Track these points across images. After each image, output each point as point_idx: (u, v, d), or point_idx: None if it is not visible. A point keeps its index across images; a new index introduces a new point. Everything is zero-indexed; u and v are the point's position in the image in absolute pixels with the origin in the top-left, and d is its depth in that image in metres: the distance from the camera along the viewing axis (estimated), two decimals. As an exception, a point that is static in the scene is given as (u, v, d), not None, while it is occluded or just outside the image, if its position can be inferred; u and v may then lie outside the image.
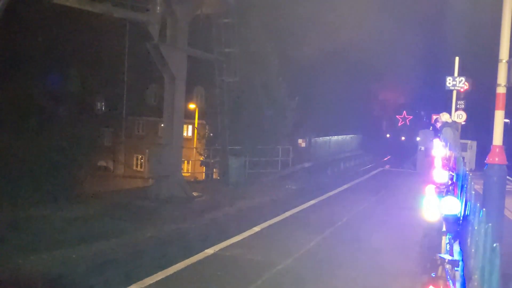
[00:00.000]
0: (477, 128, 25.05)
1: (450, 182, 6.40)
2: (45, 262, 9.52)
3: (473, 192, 3.40)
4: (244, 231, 9.82)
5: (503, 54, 7.49)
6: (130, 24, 16.41)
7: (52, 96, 20.71)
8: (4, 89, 16.69)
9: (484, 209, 2.33)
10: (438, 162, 7.96)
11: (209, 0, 16.88)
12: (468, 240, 2.51)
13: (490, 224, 1.95)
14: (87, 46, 25.48)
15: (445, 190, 5.78)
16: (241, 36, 20.08)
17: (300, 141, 27.28)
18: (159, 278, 7.10)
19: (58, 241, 10.40)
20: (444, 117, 12.85)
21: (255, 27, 22.00)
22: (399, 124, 50.88)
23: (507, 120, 9.89)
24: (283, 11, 23.52)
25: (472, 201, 2.98)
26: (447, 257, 3.16)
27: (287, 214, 11.77)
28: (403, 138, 49.75)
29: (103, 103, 34.04)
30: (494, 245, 1.75)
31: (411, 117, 50.67)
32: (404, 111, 50.66)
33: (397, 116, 50.93)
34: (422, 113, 52.72)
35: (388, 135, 51.57)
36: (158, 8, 15.24)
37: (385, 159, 36.70)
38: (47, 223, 11.85)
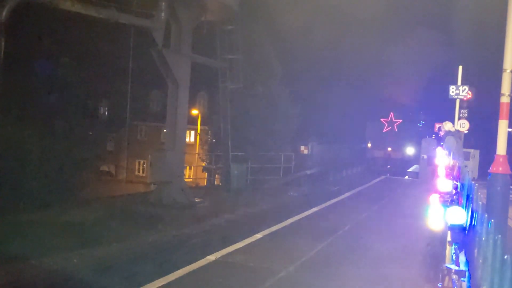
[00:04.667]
0: (479, 137, 25.02)
1: (454, 191, 6.39)
2: (46, 266, 9.49)
3: (480, 203, 3.39)
4: (246, 237, 9.80)
5: (507, 64, 7.50)
6: (135, 30, 16.47)
7: (55, 100, 20.77)
8: (7, 94, 16.73)
9: (492, 220, 2.31)
10: (441, 171, 7.94)
11: (213, 7, 16.94)
12: (475, 250, 2.49)
13: (499, 236, 1.94)
14: (91, 51, 25.60)
15: (450, 200, 5.76)
16: (244, 43, 20.14)
17: (302, 148, 27.25)
18: (160, 284, 7.08)
19: (59, 246, 10.37)
20: (447, 126, 12.87)
21: (259, 34, 22.07)
22: (384, 130, 38.12)
23: (510, 129, 9.87)
24: (286, 19, 23.62)
25: (479, 212, 2.97)
26: (454, 267, 3.14)
27: (289, 221, 11.75)
28: (389, 149, 37.36)
29: (106, 108, 34.16)
30: (506, 257, 1.73)
31: (400, 121, 38.30)
32: (391, 113, 38.39)
33: (382, 120, 38.54)
34: (422, 114, 42.71)
35: (369, 145, 38.73)
36: (163, 14, 15.31)
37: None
38: (48, 227, 11.83)
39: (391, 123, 38.05)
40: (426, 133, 35.52)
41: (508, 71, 7.50)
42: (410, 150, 36.02)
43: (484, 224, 2.24)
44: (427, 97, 39.41)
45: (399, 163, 34.33)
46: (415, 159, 32.38)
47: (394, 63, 34.05)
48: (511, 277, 1.77)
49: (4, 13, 11.39)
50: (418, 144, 32.83)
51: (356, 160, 33.08)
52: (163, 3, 15.28)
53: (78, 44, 23.64)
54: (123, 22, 14.62)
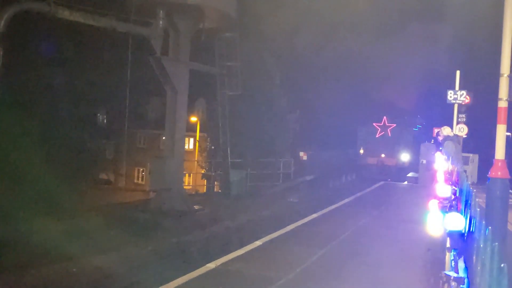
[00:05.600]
0: (478, 141, 25.05)
1: (453, 196, 6.38)
2: (45, 276, 9.45)
3: (478, 209, 3.38)
4: (245, 245, 9.77)
5: (504, 69, 7.52)
6: (133, 38, 16.55)
7: (54, 108, 20.80)
8: (7, 103, 16.78)
9: (490, 227, 2.31)
10: (440, 176, 7.93)
11: (211, 15, 17.00)
12: (474, 257, 2.49)
13: (496, 243, 1.94)
14: (90, 59, 25.68)
15: (449, 205, 5.76)
16: (243, 50, 20.22)
17: (301, 154, 27.28)
18: (160, 293, 7.05)
19: (58, 255, 10.34)
20: (446, 130, 12.86)
21: (257, 41, 22.16)
22: (377, 135, 34.91)
23: (508, 134, 9.88)
24: (284, 26, 23.73)
25: (477, 218, 2.97)
26: (453, 274, 3.14)
27: (289, 227, 11.72)
28: (383, 155, 33.77)
29: (105, 116, 34.16)
30: (502, 265, 1.73)
31: (394, 125, 34.76)
32: (385, 117, 34.97)
33: (374, 124, 35.14)
34: (419, 118, 39.22)
35: (361, 151, 34.90)
36: (161, 22, 15.37)
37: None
38: (47, 236, 11.78)
39: (384, 128, 34.93)
40: (422, 138, 34.51)
41: (505, 75, 7.51)
42: (405, 157, 33.68)
43: (482, 231, 2.24)
44: (424, 100, 38.53)
45: (393, 170, 32.11)
46: (410, 166, 31.21)
47: (389, 66, 33.93)
48: (508, 285, 1.77)
49: (2, 23, 11.43)
50: (413, 150, 31.53)
51: (355, 165, 32.77)
52: (161, 12, 15.35)
53: (76, 53, 23.70)
54: (121, 30, 14.68)
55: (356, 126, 35.29)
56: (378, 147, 34.08)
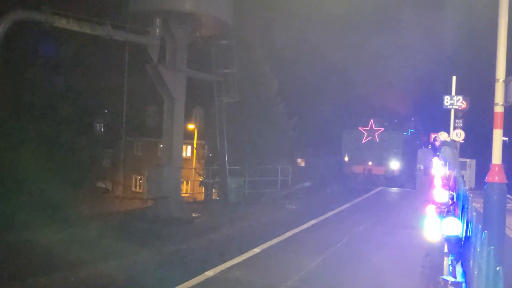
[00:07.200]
0: (476, 146, 25.10)
1: (450, 201, 6.39)
2: (43, 285, 9.40)
3: (474, 214, 3.39)
4: (244, 252, 9.73)
5: (500, 74, 7.56)
6: (130, 46, 16.60)
7: (51, 117, 20.79)
8: (4, 111, 16.78)
9: (486, 231, 2.32)
10: (438, 182, 7.95)
11: (207, 23, 17.10)
12: (471, 262, 2.50)
13: (492, 247, 1.95)
14: (87, 68, 25.73)
15: (446, 210, 5.77)
16: (239, 57, 20.29)
17: (299, 160, 27.24)
18: (158, 302, 7.01)
19: (56, 264, 10.30)
20: (443, 136, 12.90)
21: (254, 48, 22.25)
22: (364, 141, 30.76)
23: (505, 138, 9.91)
24: (280, 32, 23.86)
25: (474, 223, 2.98)
26: (450, 279, 3.14)
27: (288, 234, 11.69)
28: (370, 163, 30.16)
29: (102, 124, 34.15)
30: (497, 268, 1.73)
31: (382, 129, 30.55)
32: (371, 120, 30.91)
33: (360, 128, 31.12)
34: (412, 119, 35.26)
35: (346, 158, 31.22)
36: (157, 30, 15.45)
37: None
38: (45, 246, 11.74)
39: (371, 132, 30.96)
40: (415, 144, 32.90)
41: (500, 80, 7.55)
42: (394, 165, 30.27)
43: (478, 235, 2.24)
44: (420, 104, 37.72)
45: (382, 180, 29.14)
46: (401, 175, 29.87)
47: (382, 67, 33.60)
48: (504, 288, 1.78)
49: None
50: (404, 157, 30.40)
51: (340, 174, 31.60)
52: (158, 20, 15.43)
53: (74, 61, 23.75)
54: (118, 38, 14.75)
55: (342, 130, 32.81)
56: (364, 154, 30.61)
